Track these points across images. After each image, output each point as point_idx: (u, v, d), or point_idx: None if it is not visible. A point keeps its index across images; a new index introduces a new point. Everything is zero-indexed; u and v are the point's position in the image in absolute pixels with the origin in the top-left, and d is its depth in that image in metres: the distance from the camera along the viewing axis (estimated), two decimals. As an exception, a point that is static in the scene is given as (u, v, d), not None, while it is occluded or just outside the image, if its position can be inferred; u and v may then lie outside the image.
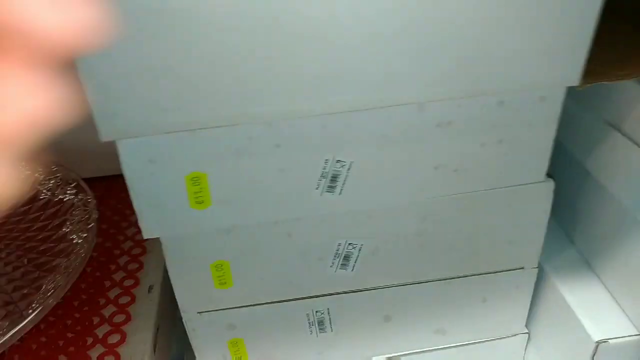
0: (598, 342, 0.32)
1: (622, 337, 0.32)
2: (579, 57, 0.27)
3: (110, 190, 0.49)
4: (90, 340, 0.37)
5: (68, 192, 0.38)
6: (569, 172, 0.38)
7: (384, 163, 0.30)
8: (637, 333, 0.32)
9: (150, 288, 0.41)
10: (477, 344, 0.40)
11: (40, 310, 0.32)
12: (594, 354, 0.32)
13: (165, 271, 0.37)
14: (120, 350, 0.36)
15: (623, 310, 0.34)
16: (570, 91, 0.29)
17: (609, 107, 0.32)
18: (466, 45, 0.26)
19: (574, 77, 0.28)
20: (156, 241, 0.31)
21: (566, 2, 0.25)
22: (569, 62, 0.27)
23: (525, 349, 0.41)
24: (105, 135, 0.25)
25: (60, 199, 0.38)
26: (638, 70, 0.27)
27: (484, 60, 0.26)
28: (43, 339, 0.37)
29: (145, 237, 0.30)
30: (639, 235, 0.31)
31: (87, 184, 0.42)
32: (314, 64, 0.25)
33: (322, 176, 0.30)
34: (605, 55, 0.29)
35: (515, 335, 0.40)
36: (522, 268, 0.36)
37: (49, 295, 0.32)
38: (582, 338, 0.33)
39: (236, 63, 0.24)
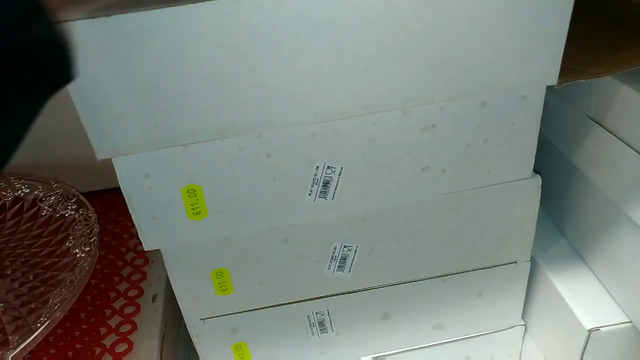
0: (590, 331, 0.33)
1: (613, 324, 0.33)
2: (555, 57, 0.28)
3: (110, 203, 0.50)
4: (98, 350, 0.38)
5: (69, 207, 0.39)
6: (557, 167, 0.39)
7: (373, 167, 0.31)
8: (628, 320, 0.33)
9: (154, 297, 0.42)
10: (475, 338, 0.41)
11: (49, 323, 0.33)
12: (586, 342, 0.33)
13: (168, 280, 0.39)
14: (128, 358, 0.37)
15: (614, 299, 0.35)
16: (554, 89, 0.29)
17: (591, 103, 0.33)
18: (446, 50, 0.27)
19: (552, 76, 0.29)
20: (158, 251, 0.32)
21: (540, 6, 0.26)
22: (546, 63, 0.28)
23: (523, 340, 0.42)
24: (100, 154, 0.26)
25: (61, 214, 0.39)
26: (613, 67, 0.28)
27: (464, 65, 0.27)
28: (52, 351, 0.38)
29: (146, 249, 0.31)
30: (624, 226, 0.32)
31: (87, 198, 0.43)
32: (298, 75, 0.26)
33: (314, 183, 0.31)
34: (582, 54, 0.30)
35: (512, 327, 0.41)
36: (515, 262, 0.37)
37: (56, 309, 0.33)
38: (574, 327, 0.34)
39: (222, 78, 0.25)
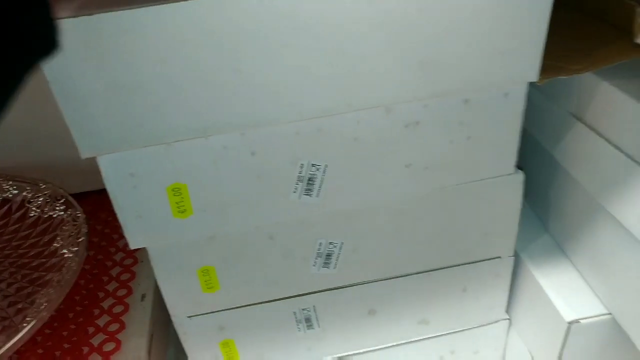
0: (570, 323, 0.34)
1: (592, 316, 0.34)
2: (535, 55, 0.28)
3: (100, 204, 0.50)
4: (86, 349, 0.38)
5: (57, 208, 0.39)
6: (540, 162, 0.40)
7: (357, 164, 0.31)
8: (607, 312, 0.34)
9: (143, 296, 0.42)
10: (460, 332, 0.42)
11: (35, 323, 0.33)
12: (567, 334, 0.34)
13: (157, 279, 0.39)
14: (116, 357, 0.37)
15: (594, 292, 0.35)
16: (538, 86, 0.30)
17: (573, 100, 0.34)
18: (427, 48, 0.27)
19: (533, 73, 0.29)
20: (147, 251, 0.32)
21: (520, 5, 0.26)
22: (527, 60, 0.28)
23: (508, 334, 0.43)
24: (85, 152, 0.26)
25: (50, 215, 0.39)
26: (592, 64, 0.29)
27: (446, 62, 0.28)
28: (40, 351, 0.38)
29: (131, 247, 0.31)
30: (604, 221, 0.33)
31: (77, 199, 0.43)
32: (281, 74, 0.26)
33: (299, 180, 0.31)
34: (563, 51, 0.30)
35: (497, 321, 0.42)
36: (499, 257, 0.38)
37: (43, 309, 0.33)
38: (555, 320, 0.35)
39: (205, 77, 0.25)
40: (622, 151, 0.30)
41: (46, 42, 0.17)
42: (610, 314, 0.34)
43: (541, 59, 0.28)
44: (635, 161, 0.29)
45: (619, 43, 0.29)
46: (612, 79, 0.30)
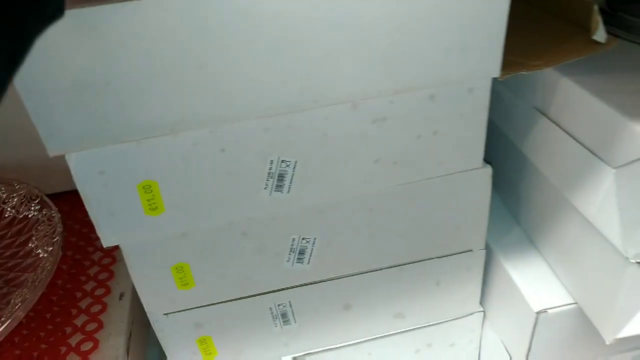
0: (538, 313, 0.34)
1: (559, 306, 0.35)
2: (496, 51, 0.29)
3: (78, 204, 0.50)
4: (63, 349, 0.38)
5: (32, 208, 0.40)
6: (510, 158, 0.40)
7: (326, 160, 0.32)
8: (573, 302, 0.35)
9: (121, 295, 0.42)
10: (436, 325, 0.42)
11: (9, 322, 0.33)
12: (535, 324, 0.35)
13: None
14: (93, 356, 0.38)
15: (561, 282, 0.36)
16: (506, 82, 0.31)
17: (537, 95, 0.34)
18: (390, 45, 0.28)
19: (495, 69, 0.30)
20: (121, 248, 0.32)
21: (477, 3, 0.27)
22: (489, 56, 0.29)
23: (482, 326, 0.44)
24: (52, 150, 0.26)
25: (25, 215, 0.39)
26: (552, 60, 0.29)
27: (409, 59, 0.28)
28: (17, 352, 0.38)
29: (105, 246, 0.32)
30: (569, 213, 0.34)
31: (54, 199, 0.43)
32: (246, 70, 0.27)
33: (270, 176, 0.31)
34: (524, 48, 0.31)
35: (471, 314, 0.42)
36: (471, 250, 0.39)
37: (17, 309, 0.33)
38: (525, 310, 0.36)
39: (171, 74, 0.26)
40: (582, 144, 0.31)
41: (57, 6, 0.18)
42: (575, 303, 0.35)
43: (501, 55, 0.29)
44: (595, 154, 0.30)
45: (578, 39, 0.30)
46: (572, 75, 0.31)
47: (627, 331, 0.32)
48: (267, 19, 0.25)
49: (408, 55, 0.28)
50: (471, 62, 0.29)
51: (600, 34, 0.29)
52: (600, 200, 0.30)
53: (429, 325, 0.42)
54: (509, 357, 0.41)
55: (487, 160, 0.35)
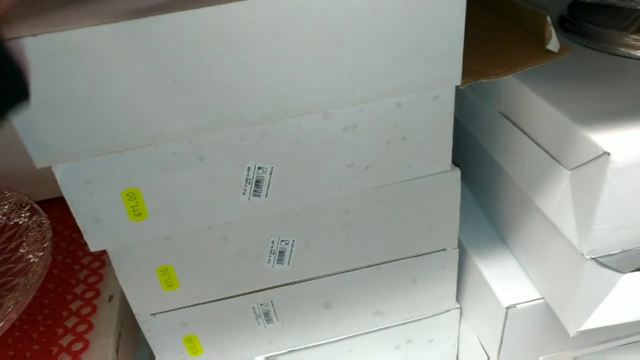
0: (507, 308, 0.36)
1: (527, 301, 0.36)
2: (456, 60, 0.31)
3: (67, 210, 0.51)
4: (55, 350, 0.40)
5: (22, 215, 0.41)
6: (481, 160, 0.42)
7: (301, 166, 0.33)
8: (541, 297, 0.36)
9: (111, 297, 0.44)
10: (415, 322, 0.44)
11: (2, 325, 0.35)
12: (505, 318, 0.37)
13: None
14: (84, 356, 0.39)
15: (530, 279, 0.38)
16: (473, 87, 0.32)
17: (501, 100, 0.36)
18: (354, 57, 0.29)
19: (456, 77, 0.32)
20: (108, 252, 0.34)
21: (434, 15, 0.29)
22: (449, 65, 0.31)
23: (460, 322, 0.45)
24: (39, 162, 0.28)
25: (15, 222, 0.41)
26: (511, 68, 0.31)
27: (374, 69, 0.30)
28: (11, 353, 0.40)
29: (92, 250, 0.33)
30: (533, 212, 0.35)
31: (44, 206, 0.44)
32: (218, 84, 0.28)
33: (247, 182, 0.33)
34: (484, 57, 0.33)
35: (448, 310, 0.44)
36: (444, 250, 0.40)
37: (10, 311, 0.35)
38: (495, 305, 0.37)
39: (147, 90, 0.27)
40: (542, 148, 0.32)
41: (21, 95, 0.22)
42: (542, 298, 0.36)
43: (461, 64, 0.31)
44: (552, 157, 0.31)
45: (534, 48, 0.32)
46: (530, 82, 0.33)
47: (589, 324, 0.34)
48: (236, 35, 0.27)
49: (372, 66, 0.30)
50: (433, 71, 0.31)
51: (553, 44, 0.30)
52: (558, 200, 0.31)
53: (408, 322, 0.44)
54: (484, 352, 0.43)
55: (458, 163, 0.37)
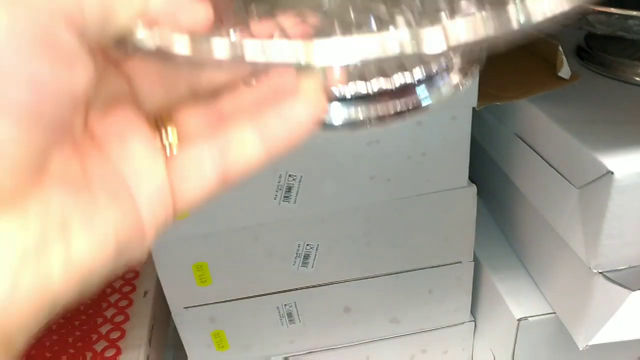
0: (519, 320, 0.38)
1: (539, 315, 0.38)
2: (472, 84, 0.34)
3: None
4: (94, 337, 0.43)
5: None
6: (497, 178, 0.45)
7: (328, 175, 0.37)
8: (552, 312, 0.38)
9: (145, 293, 0.47)
10: (430, 332, 0.46)
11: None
12: (517, 331, 0.38)
13: (158, 278, 0.44)
14: (121, 344, 0.43)
15: (542, 293, 0.40)
16: (491, 110, 0.35)
17: (516, 122, 0.39)
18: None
19: (472, 99, 0.34)
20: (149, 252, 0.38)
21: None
22: (467, 88, 0.34)
23: (474, 336, 0.47)
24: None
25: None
26: (524, 92, 0.34)
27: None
28: (48, 355, 0.43)
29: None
30: (546, 229, 0.37)
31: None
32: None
33: (279, 188, 0.36)
34: (499, 80, 0.36)
35: (462, 323, 0.46)
36: (460, 262, 0.42)
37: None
38: (507, 317, 0.39)
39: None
40: (553, 167, 0.35)
41: None
42: (554, 312, 0.38)
43: (477, 87, 0.33)
44: (563, 175, 0.34)
45: (546, 75, 0.34)
46: (543, 106, 0.35)
47: (599, 339, 0.35)
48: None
49: (397, 87, 0.33)
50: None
51: (564, 71, 0.33)
52: (568, 216, 0.33)
53: (423, 332, 0.46)
54: (498, 365, 0.44)
55: (476, 180, 0.39)
